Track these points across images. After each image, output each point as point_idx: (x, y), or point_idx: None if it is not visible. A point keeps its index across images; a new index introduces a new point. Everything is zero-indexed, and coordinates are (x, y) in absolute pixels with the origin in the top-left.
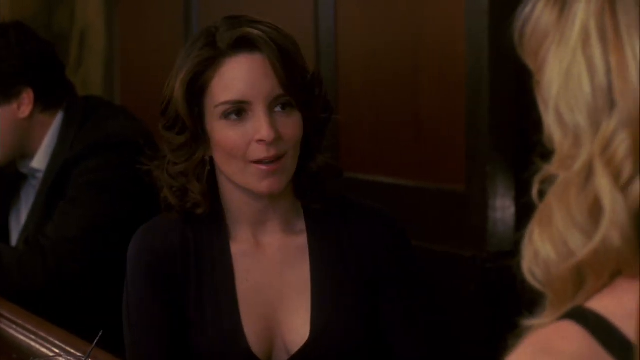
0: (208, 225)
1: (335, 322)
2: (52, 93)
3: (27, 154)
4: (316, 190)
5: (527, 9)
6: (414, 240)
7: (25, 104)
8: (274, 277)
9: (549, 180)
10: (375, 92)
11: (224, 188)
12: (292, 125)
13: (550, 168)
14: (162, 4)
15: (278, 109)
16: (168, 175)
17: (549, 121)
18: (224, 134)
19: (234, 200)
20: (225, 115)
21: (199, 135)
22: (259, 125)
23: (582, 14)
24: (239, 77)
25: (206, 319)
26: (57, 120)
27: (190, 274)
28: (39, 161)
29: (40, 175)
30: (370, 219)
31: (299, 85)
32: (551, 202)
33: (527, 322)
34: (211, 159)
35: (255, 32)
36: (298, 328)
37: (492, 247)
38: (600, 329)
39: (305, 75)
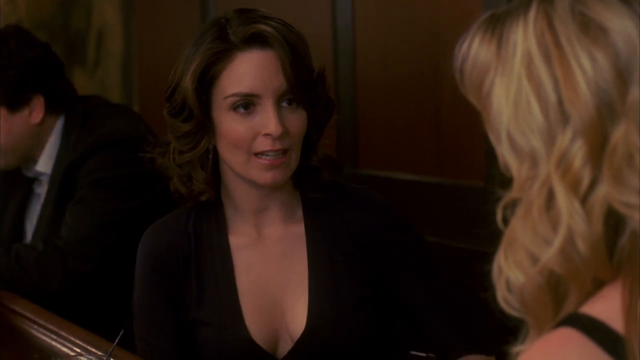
0: (208, 219)
1: (332, 308)
2: (59, 96)
3: (31, 158)
4: (315, 181)
5: (464, 47)
6: (434, 236)
7: (36, 109)
8: (275, 268)
9: (511, 207)
10: (394, 89)
11: (226, 176)
12: (297, 121)
13: (512, 194)
14: (178, 4)
15: (284, 104)
16: (175, 164)
17: (503, 151)
18: (232, 127)
19: (236, 189)
20: (234, 108)
21: (205, 125)
22: (267, 120)
23: (521, 40)
24: (249, 71)
25: (208, 313)
26: (60, 123)
27: (191, 271)
28: (44, 164)
29: (45, 178)
30: (366, 204)
31: (305, 83)
32: (515, 226)
33: (514, 348)
34: (214, 147)
35: (269, 29)
36: (300, 316)
37: None
38: (596, 330)
39: (311, 73)
